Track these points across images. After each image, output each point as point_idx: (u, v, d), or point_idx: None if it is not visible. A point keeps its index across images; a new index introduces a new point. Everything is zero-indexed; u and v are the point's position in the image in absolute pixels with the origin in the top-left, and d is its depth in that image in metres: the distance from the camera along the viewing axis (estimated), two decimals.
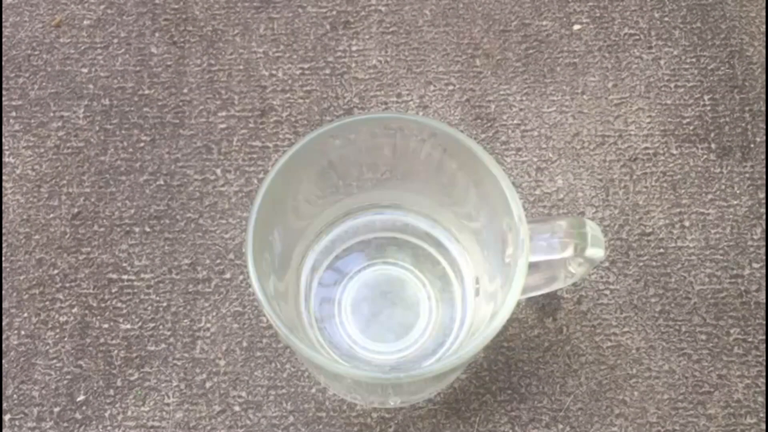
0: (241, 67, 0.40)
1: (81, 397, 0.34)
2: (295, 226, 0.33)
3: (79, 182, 0.37)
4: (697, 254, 0.36)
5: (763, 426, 0.34)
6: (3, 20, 0.40)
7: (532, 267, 0.28)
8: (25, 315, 0.35)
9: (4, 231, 0.37)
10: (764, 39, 0.40)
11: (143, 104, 0.39)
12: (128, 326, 0.35)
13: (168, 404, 0.34)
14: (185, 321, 0.35)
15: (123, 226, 0.37)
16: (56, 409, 0.34)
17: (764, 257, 0.36)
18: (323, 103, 0.39)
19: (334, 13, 0.41)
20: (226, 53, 0.40)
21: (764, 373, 0.35)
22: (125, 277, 0.36)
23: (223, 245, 0.36)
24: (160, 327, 0.35)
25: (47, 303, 0.35)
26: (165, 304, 0.35)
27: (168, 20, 0.40)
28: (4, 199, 0.37)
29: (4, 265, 0.36)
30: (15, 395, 0.34)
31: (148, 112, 0.39)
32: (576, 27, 0.40)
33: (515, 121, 0.38)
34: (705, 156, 0.38)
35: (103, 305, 0.35)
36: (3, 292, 0.36)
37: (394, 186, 0.33)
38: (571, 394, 0.34)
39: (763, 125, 0.38)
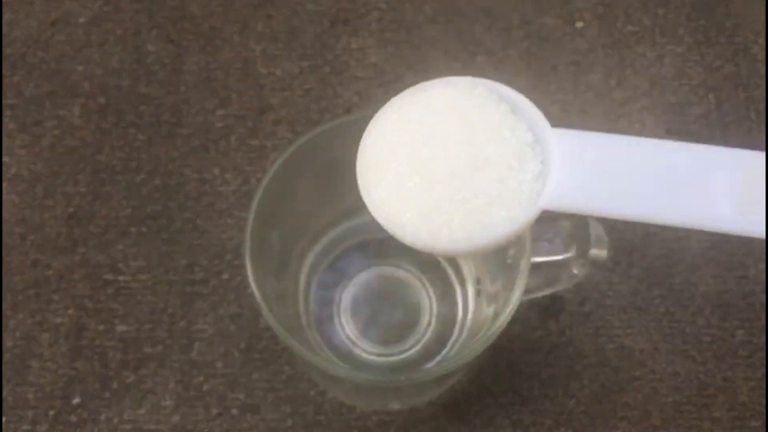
0: (239, 65, 0.39)
1: (76, 400, 0.34)
2: (293, 226, 0.33)
3: (75, 182, 0.37)
4: (702, 255, 0.36)
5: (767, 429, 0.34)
6: None
7: (535, 268, 0.28)
8: (20, 316, 0.35)
9: None
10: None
11: (140, 103, 0.38)
12: (124, 328, 0.35)
13: (165, 407, 0.34)
14: (182, 323, 0.35)
15: (119, 226, 0.36)
16: (51, 412, 0.34)
17: None
18: (322, 101, 0.39)
19: (334, 10, 0.40)
20: (224, 51, 0.39)
21: None
22: (121, 278, 0.35)
23: (221, 245, 0.36)
24: (157, 329, 0.35)
25: (42, 304, 0.35)
26: (162, 306, 0.35)
27: (165, 18, 0.40)
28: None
29: None
30: (10, 398, 0.34)
31: (144, 111, 0.38)
32: (579, 24, 0.40)
33: None
34: None
35: (98, 306, 0.35)
36: None
37: None
38: (573, 396, 0.34)
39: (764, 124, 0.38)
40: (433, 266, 0.34)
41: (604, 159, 0.22)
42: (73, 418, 0.33)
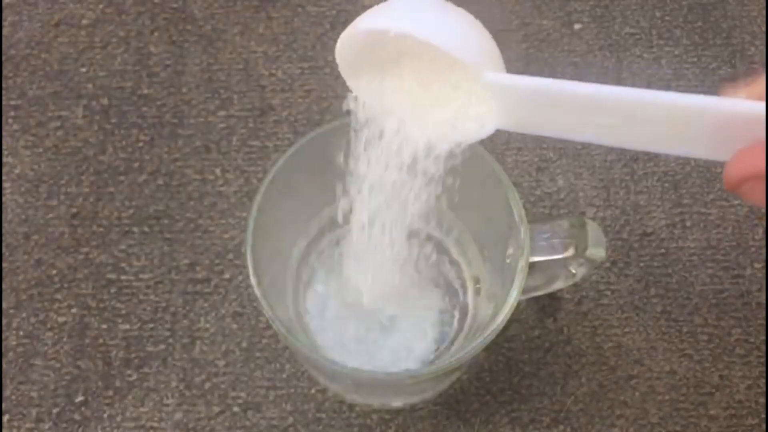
0: (241, 66, 0.39)
1: (80, 398, 0.34)
2: (295, 225, 0.33)
3: (78, 182, 0.37)
4: (699, 254, 0.36)
5: (765, 426, 0.34)
6: (2, 20, 0.40)
7: (533, 267, 0.28)
8: (24, 315, 0.35)
9: (2, 231, 0.37)
10: (765, 38, 0.40)
11: (142, 104, 0.39)
12: (127, 327, 0.35)
13: (167, 405, 0.34)
14: (184, 321, 0.35)
15: (122, 226, 0.37)
16: (55, 410, 0.34)
17: (765, 258, 0.36)
18: (323, 102, 0.39)
19: (334, 12, 0.41)
20: (226, 52, 0.40)
21: (765, 374, 0.34)
22: (124, 277, 0.36)
23: (223, 245, 0.36)
24: (159, 327, 0.35)
25: (46, 303, 0.35)
26: (164, 305, 0.35)
27: (167, 19, 0.40)
28: (3, 199, 0.37)
29: (3, 265, 0.36)
30: (14, 396, 0.34)
31: (147, 112, 0.39)
32: (577, 26, 0.40)
33: None
34: None
35: (101, 306, 0.35)
36: (2, 292, 0.35)
37: None
38: (571, 394, 0.34)
39: None
40: (433, 266, 0.35)
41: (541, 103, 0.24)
42: (77, 416, 0.34)
